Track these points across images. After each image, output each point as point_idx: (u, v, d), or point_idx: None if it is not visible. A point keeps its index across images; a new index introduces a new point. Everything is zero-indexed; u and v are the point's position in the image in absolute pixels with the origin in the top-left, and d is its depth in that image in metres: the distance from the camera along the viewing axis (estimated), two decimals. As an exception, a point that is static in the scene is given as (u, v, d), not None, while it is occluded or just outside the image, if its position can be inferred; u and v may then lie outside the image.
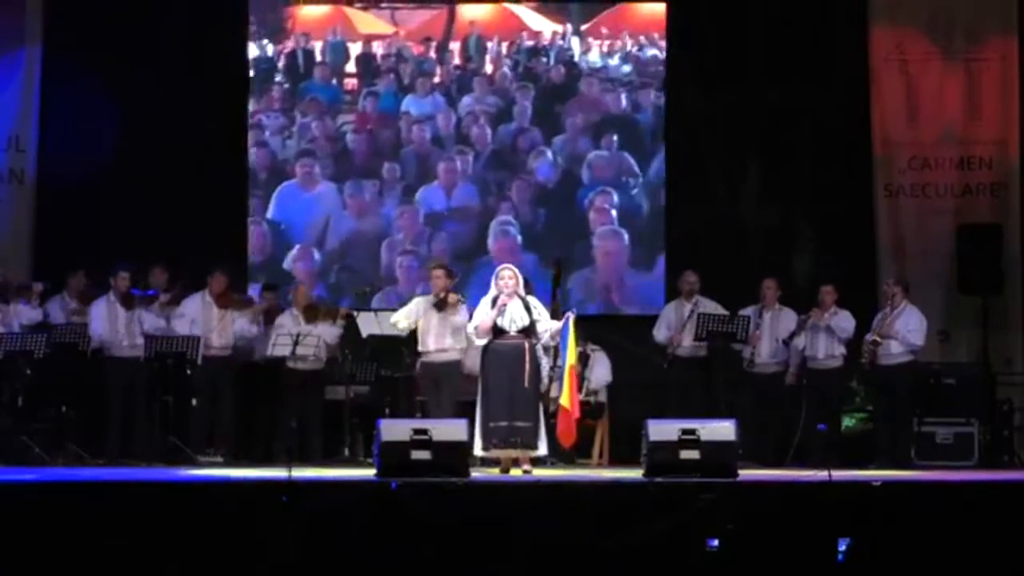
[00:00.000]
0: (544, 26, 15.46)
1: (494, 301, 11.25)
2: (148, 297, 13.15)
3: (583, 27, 15.44)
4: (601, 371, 13.62)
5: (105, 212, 14.53)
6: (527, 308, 11.22)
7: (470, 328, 11.47)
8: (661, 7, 15.24)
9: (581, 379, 13.19)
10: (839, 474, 9.80)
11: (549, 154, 15.32)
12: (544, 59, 15.47)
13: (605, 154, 15.35)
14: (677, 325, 13.44)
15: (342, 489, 9.50)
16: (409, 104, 15.30)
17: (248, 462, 12.85)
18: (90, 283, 13.54)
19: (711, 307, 13.41)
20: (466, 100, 15.33)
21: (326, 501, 8.95)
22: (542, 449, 11.23)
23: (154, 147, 14.70)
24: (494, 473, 11.08)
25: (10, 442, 12.28)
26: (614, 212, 15.27)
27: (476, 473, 10.46)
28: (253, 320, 13.50)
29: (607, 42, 15.45)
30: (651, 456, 10.10)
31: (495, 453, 11.17)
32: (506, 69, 15.40)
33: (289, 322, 13.45)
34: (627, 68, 15.42)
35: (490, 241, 15.12)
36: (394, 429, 10.15)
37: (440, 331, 12.31)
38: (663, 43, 15.28)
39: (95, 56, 14.59)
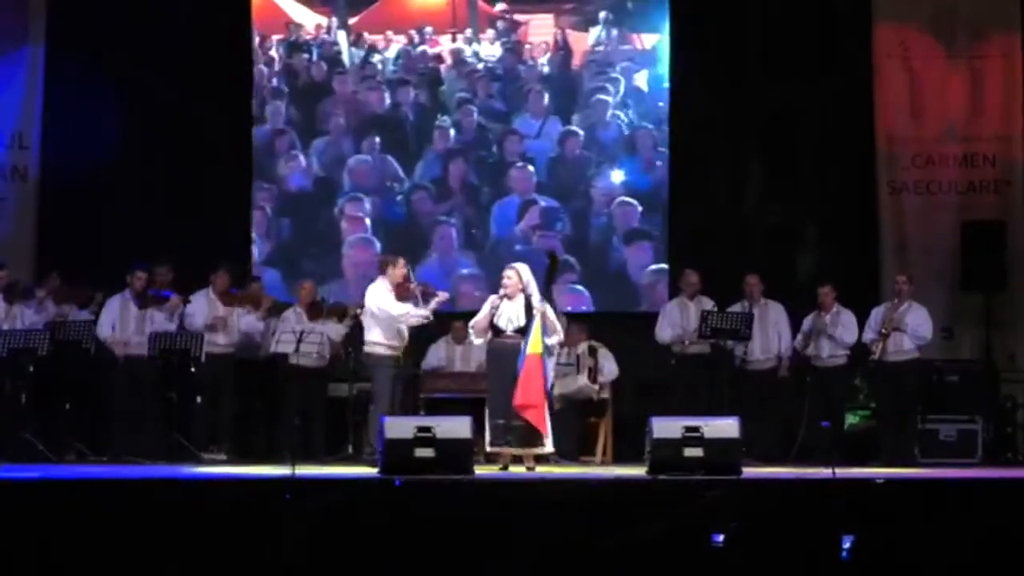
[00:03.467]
0: (307, 18, 15.29)
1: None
2: (163, 298, 13.15)
3: (351, 20, 15.30)
4: (610, 365, 13.63)
5: (108, 210, 14.55)
6: (528, 308, 11.23)
7: (470, 326, 11.53)
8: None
9: (596, 363, 13.41)
10: (843, 471, 9.81)
11: (302, 159, 15.19)
12: (306, 55, 15.31)
13: (367, 158, 15.28)
14: (683, 324, 13.43)
15: (345, 486, 9.50)
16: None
17: (251, 459, 12.88)
18: (64, 284, 13.54)
19: (709, 306, 13.42)
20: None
21: (329, 498, 8.95)
22: (548, 447, 11.24)
23: (156, 145, 14.73)
24: (497, 470, 11.10)
25: (14, 440, 12.28)
26: (368, 220, 15.18)
27: (480, 470, 10.47)
28: (260, 316, 13.52)
29: (377, 37, 15.33)
30: (655, 453, 10.11)
31: (500, 449, 11.22)
32: (263, 65, 15.25)
33: (293, 319, 13.46)
34: (396, 65, 15.32)
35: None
36: (398, 426, 10.16)
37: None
38: (441, 37, 15.25)
39: (98, 54, 14.60)
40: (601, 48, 15.40)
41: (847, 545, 8.60)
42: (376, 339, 11.86)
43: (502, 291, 11.32)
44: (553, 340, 11.45)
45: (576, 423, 13.39)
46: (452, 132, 15.37)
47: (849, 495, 9.15)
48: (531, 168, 15.30)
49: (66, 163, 14.57)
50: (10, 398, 12.65)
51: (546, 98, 15.41)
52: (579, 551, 8.66)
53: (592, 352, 13.53)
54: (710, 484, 9.16)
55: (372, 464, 10.79)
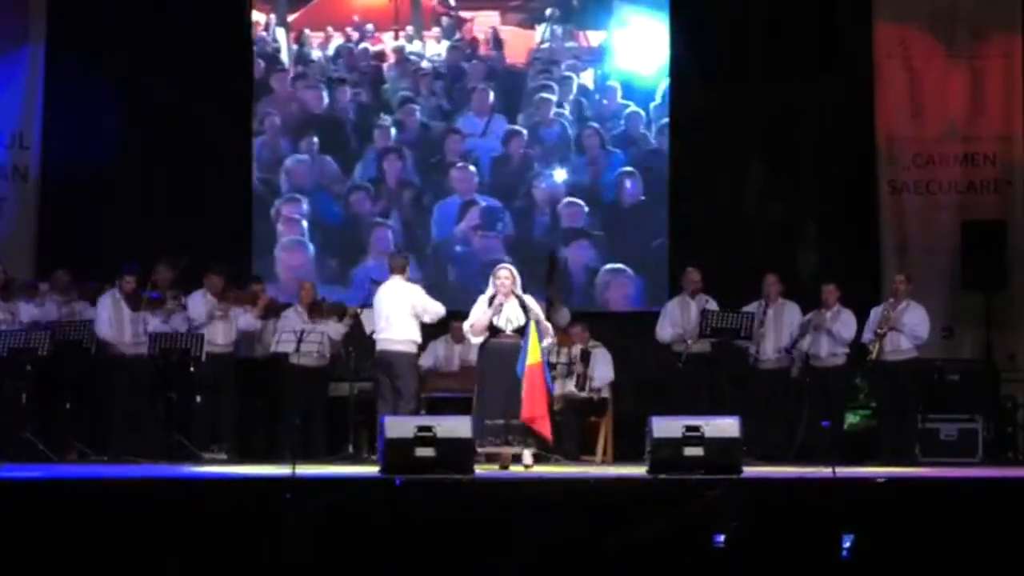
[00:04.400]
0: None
1: (491, 300, 11.31)
2: (154, 300, 13.13)
3: (290, 17, 15.23)
4: (603, 369, 13.61)
5: (108, 209, 14.56)
6: (523, 308, 11.23)
7: (466, 326, 11.53)
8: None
9: (585, 371, 13.34)
10: (843, 471, 9.81)
11: None
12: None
13: (305, 158, 15.21)
14: (684, 323, 13.43)
15: (346, 486, 9.49)
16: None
17: (252, 459, 12.88)
18: (73, 279, 13.55)
19: (711, 304, 13.42)
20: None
21: (330, 498, 8.95)
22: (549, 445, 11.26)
23: (157, 145, 14.73)
24: (495, 469, 11.09)
25: (14, 440, 12.28)
26: (304, 222, 15.13)
27: (481, 470, 10.46)
28: (257, 315, 13.52)
29: (317, 34, 15.25)
30: (655, 453, 10.11)
31: (491, 449, 11.20)
32: None
33: (294, 318, 13.46)
34: (336, 63, 15.23)
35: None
36: (398, 426, 10.16)
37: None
38: (384, 35, 15.17)
39: (98, 54, 14.61)
40: (547, 46, 15.31)
41: (847, 544, 8.60)
42: (407, 337, 12.17)
43: (496, 290, 11.28)
44: (547, 342, 11.48)
45: (576, 423, 13.40)
46: (393, 131, 15.25)
47: (849, 495, 9.14)
48: (472, 168, 15.18)
49: (66, 163, 14.58)
50: (10, 398, 12.65)
51: (491, 96, 15.31)
52: (579, 551, 8.66)
53: (584, 357, 13.49)
54: (710, 484, 9.15)
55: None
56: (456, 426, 10.15)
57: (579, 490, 9.50)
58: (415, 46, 15.35)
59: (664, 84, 15.25)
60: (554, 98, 15.29)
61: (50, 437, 12.61)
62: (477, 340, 11.45)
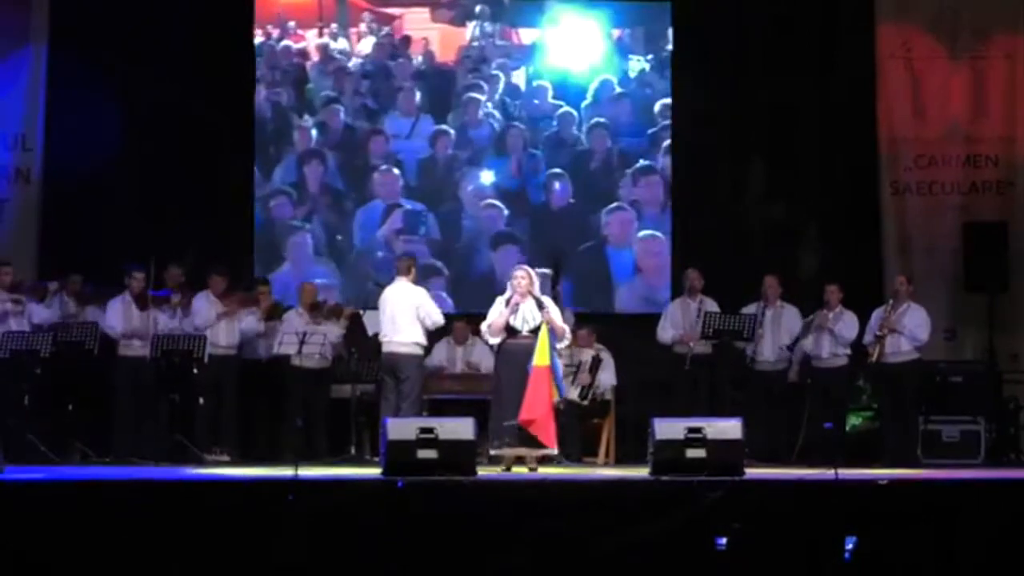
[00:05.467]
0: None
1: (507, 301, 11.30)
2: (162, 298, 13.16)
3: None
4: (607, 376, 13.60)
5: (111, 211, 14.54)
6: (540, 309, 11.23)
7: (484, 327, 11.50)
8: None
9: (593, 380, 13.38)
10: (845, 472, 9.81)
11: None
12: None
13: None
14: (685, 324, 13.43)
15: (348, 488, 9.50)
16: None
17: (254, 461, 12.88)
18: (87, 284, 13.57)
19: (712, 306, 13.42)
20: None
21: (332, 500, 8.96)
22: (553, 448, 11.24)
23: (160, 146, 14.71)
24: (499, 471, 11.08)
25: (17, 441, 12.26)
26: None
27: (482, 471, 10.46)
28: (260, 317, 13.52)
29: None
30: (657, 454, 10.11)
31: (509, 452, 11.18)
32: None
33: (296, 320, 13.46)
34: (256, 62, 14.87)
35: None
36: (400, 428, 10.15)
37: None
38: (307, 32, 14.90)
39: (101, 55, 14.58)
40: (477, 44, 15.09)
41: (850, 546, 8.61)
42: (412, 339, 12.15)
43: (513, 291, 11.26)
44: (562, 344, 11.47)
45: (579, 424, 13.39)
46: (315, 133, 15.02)
47: (852, 496, 9.15)
48: (396, 171, 14.98)
49: (69, 164, 14.55)
50: (14, 400, 12.63)
51: (418, 96, 15.09)
52: (581, 552, 8.66)
53: (595, 365, 13.48)
54: (712, 485, 9.15)
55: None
56: (458, 428, 10.14)
57: (581, 492, 9.50)
58: (340, 44, 15.05)
59: (597, 81, 15.09)
60: (483, 98, 15.04)
61: (53, 439, 12.62)
62: (494, 341, 11.40)
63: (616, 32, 15.25)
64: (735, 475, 9.76)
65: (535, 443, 11.10)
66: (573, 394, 13.30)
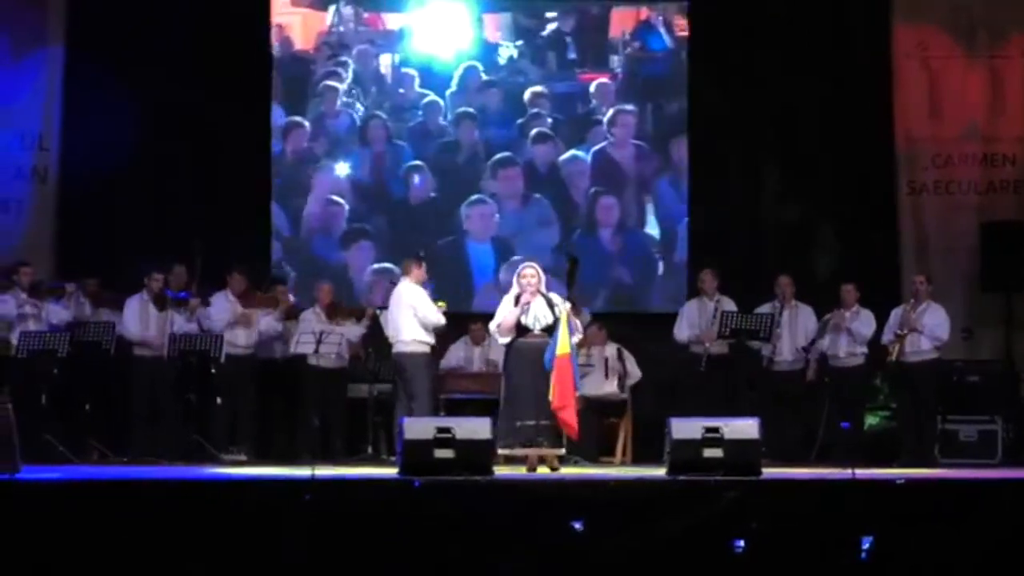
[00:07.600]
0: None
1: (517, 299, 11.22)
2: (181, 300, 13.17)
3: None
4: (634, 369, 13.68)
5: (127, 211, 14.58)
6: (550, 306, 11.18)
7: (492, 326, 11.40)
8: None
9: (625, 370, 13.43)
10: (862, 472, 9.78)
11: None
12: None
13: None
14: (702, 324, 13.42)
15: (365, 488, 9.50)
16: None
17: (271, 460, 12.89)
18: (103, 286, 13.60)
19: (729, 306, 13.41)
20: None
21: (348, 499, 8.96)
22: (563, 448, 11.23)
23: (176, 146, 14.73)
24: (520, 471, 11.05)
25: (35, 441, 12.29)
26: None
27: (500, 471, 10.44)
28: (278, 317, 13.52)
29: None
30: (674, 454, 10.08)
31: (520, 452, 11.13)
32: None
33: (313, 320, 13.47)
34: None
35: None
36: (417, 427, 10.15)
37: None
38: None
39: (117, 55, 14.61)
40: (337, 29, 14.67)
41: (866, 546, 8.59)
42: (413, 337, 12.07)
43: (522, 289, 11.19)
44: (575, 339, 11.41)
45: (596, 424, 13.39)
46: None
47: (869, 496, 9.13)
48: None
49: (85, 164, 14.58)
50: (31, 400, 12.65)
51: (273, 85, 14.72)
52: (599, 552, 8.66)
53: (620, 356, 13.51)
54: (730, 485, 9.15)
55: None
56: (475, 427, 10.11)
57: (598, 491, 9.49)
58: None
59: (462, 69, 14.68)
60: (342, 87, 14.63)
61: (70, 438, 12.65)
62: (504, 340, 11.30)
63: (487, 17, 14.81)
64: (752, 475, 9.75)
65: (549, 442, 11.06)
66: (611, 387, 13.29)
